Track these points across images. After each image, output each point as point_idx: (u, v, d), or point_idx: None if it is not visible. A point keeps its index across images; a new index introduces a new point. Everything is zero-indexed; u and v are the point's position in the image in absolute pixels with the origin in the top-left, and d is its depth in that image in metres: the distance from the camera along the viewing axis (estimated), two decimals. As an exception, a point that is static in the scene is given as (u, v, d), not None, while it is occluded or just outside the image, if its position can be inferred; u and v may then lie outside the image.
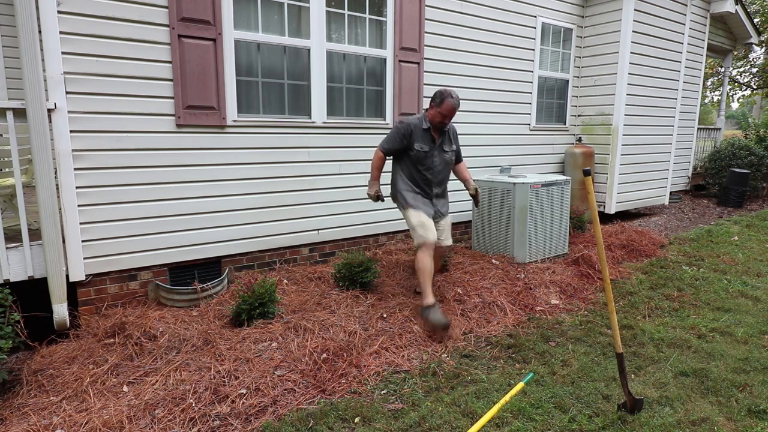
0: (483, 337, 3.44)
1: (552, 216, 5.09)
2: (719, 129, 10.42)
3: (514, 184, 4.85)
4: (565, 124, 6.99)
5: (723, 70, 10.75)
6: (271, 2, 4.21)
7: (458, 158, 3.93)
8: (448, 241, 3.86)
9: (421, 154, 3.60)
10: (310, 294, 3.95)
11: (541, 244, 5.03)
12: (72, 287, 3.51)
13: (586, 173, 2.36)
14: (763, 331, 3.50)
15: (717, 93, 19.68)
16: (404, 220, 5.32)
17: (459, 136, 4.03)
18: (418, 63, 5.15)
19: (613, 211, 6.90)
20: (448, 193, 3.90)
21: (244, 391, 2.66)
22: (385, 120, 5.04)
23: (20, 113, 3.18)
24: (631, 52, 6.55)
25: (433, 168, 3.65)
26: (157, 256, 3.87)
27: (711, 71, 17.67)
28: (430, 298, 3.42)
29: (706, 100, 20.74)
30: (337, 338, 3.21)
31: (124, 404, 2.55)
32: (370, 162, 4.93)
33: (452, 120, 3.68)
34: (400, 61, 5.01)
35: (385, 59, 4.95)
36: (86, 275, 3.57)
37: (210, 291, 3.86)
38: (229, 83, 4.02)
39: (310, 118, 4.54)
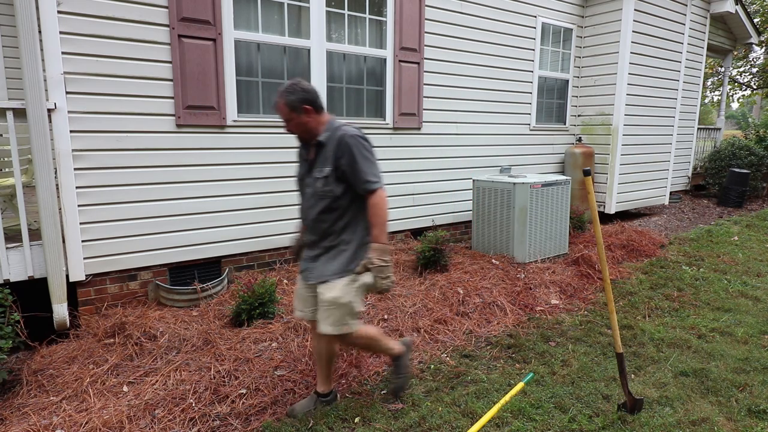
0: (483, 337, 3.44)
1: (552, 216, 5.09)
2: (719, 129, 10.42)
3: (514, 184, 4.85)
4: (565, 124, 6.99)
5: (723, 70, 10.75)
6: (271, 2, 4.21)
7: (355, 185, 2.25)
8: (323, 326, 2.30)
9: (296, 183, 2.48)
10: (310, 294, 3.94)
11: (541, 244, 5.03)
12: (72, 287, 3.51)
13: (586, 173, 2.36)
14: (763, 331, 3.50)
15: (717, 93, 19.67)
16: (403, 221, 5.38)
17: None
18: (418, 63, 5.15)
19: (613, 211, 6.90)
20: (345, 241, 2.32)
21: (244, 391, 2.66)
22: (385, 120, 5.04)
23: (20, 113, 3.18)
24: (631, 52, 6.55)
25: (303, 201, 2.41)
26: (157, 256, 3.87)
27: (711, 71, 17.66)
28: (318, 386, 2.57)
29: (706, 100, 20.73)
30: (337, 338, 3.21)
31: (124, 404, 2.55)
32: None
33: (294, 121, 2.28)
34: (400, 61, 5.01)
35: (385, 59, 4.95)
36: (86, 275, 3.57)
37: (210, 291, 3.86)
38: (229, 83, 4.02)
39: (310, 118, 4.53)
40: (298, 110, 2.24)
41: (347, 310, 2.30)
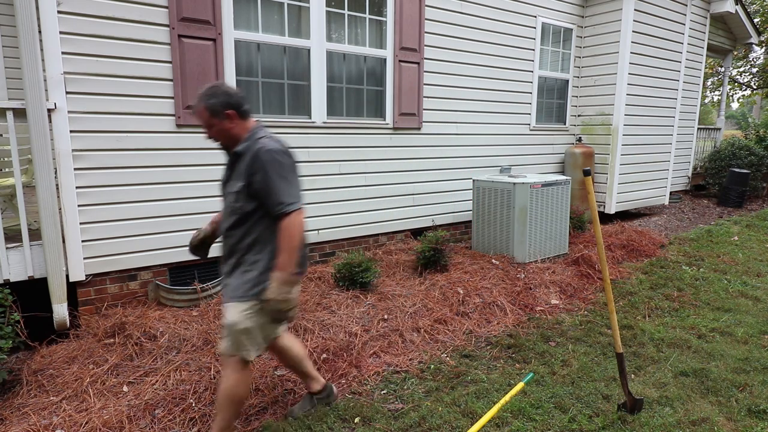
0: (483, 337, 3.44)
1: (552, 216, 5.09)
2: (719, 129, 10.42)
3: (514, 184, 4.85)
4: (565, 124, 6.99)
5: (723, 70, 10.75)
6: (271, 2, 4.21)
7: (268, 207, 2.04)
8: (221, 345, 2.18)
9: (220, 188, 2.27)
10: (310, 294, 3.95)
11: (541, 244, 5.03)
12: (72, 287, 3.51)
13: (586, 173, 2.36)
14: (763, 331, 3.50)
15: (717, 93, 19.67)
16: (403, 221, 5.38)
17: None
18: (418, 63, 5.15)
19: (613, 211, 6.90)
20: (250, 261, 2.11)
21: (244, 391, 2.66)
22: (385, 120, 5.04)
23: (20, 113, 3.18)
24: (631, 52, 6.55)
25: (223, 214, 2.24)
26: (157, 256, 3.87)
27: (711, 71, 17.65)
28: None
29: (706, 100, 20.73)
30: (337, 338, 3.21)
31: (124, 404, 2.55)
32: (368, 162, 4.97)
33: (218, 128, 2.09)
34: (400, 61, 5.01)
35: (385, 59, 4.95)
36: (86, 275, 3.57)
37: (210, 291, 3.86)
38: (229, 83, 4.02)
39: (310, 118, 4.54)
40: (221, 115, 2.06)
41: (245, 336, 2.08)
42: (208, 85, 2.10)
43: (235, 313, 2.07)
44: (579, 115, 7.11)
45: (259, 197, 2.04)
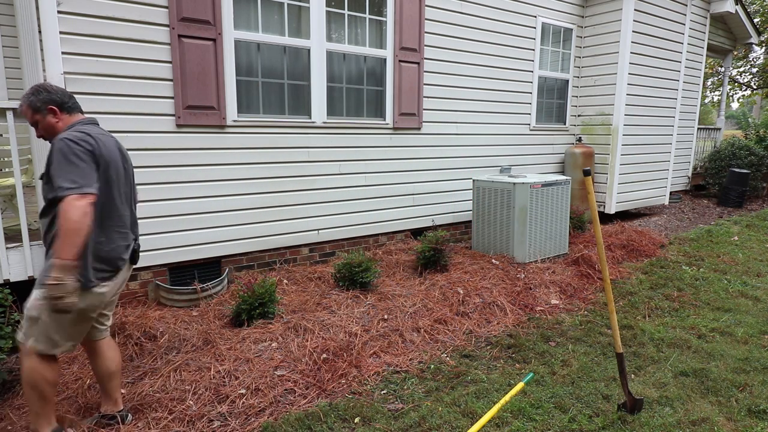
0: (483, 337, 3.44)
1: (552, 216, 5.09)
2: (719, 129, 10.42)
3: (514, 184, 4.85)
4: (565, 124, 6.99)
5: (723, 70, 10.75)
6: (271, 2, 4.21)
7: (55, 192, 1.98)
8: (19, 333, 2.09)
9: None
10: (310, 294, 3.95)
11: (541, 244, 5.03)
12: (72, 287, 3.50)
13: (586, 173, 2.36)
14: (763, 331, 3.50)
15: (717, 93, 19.68)
16: (403, 221, 5.38)
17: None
18: (418, 63, 5.15)
19: (613, 211, 6.90)
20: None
21: (243, 391, 2.66)
22: (385, 120, 5.04)
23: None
24: (631, 52, 6.56)
25: None
26: (157, 256, 3.87)
27: (711, 71, 17.66)
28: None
29: (706, 100, 20.73)
30: (337, 338, 3.21)
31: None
32: (368, 162, 4.97)
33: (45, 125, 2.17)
34: (400, 61, 5.01)
35: (385, 59, 4.95)
36: (86, 275, 3.56)
37: (210, 291, 3.86)
38: (229, 83, 4.02)
39: (310, 118, 4.54)
40: (43, 111, 2.13)
41: (32, 325, 2.03)
42: (32, 85, 2.17)
43: (30, 299, 2.05)
44: (579, 115, 7.11)
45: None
